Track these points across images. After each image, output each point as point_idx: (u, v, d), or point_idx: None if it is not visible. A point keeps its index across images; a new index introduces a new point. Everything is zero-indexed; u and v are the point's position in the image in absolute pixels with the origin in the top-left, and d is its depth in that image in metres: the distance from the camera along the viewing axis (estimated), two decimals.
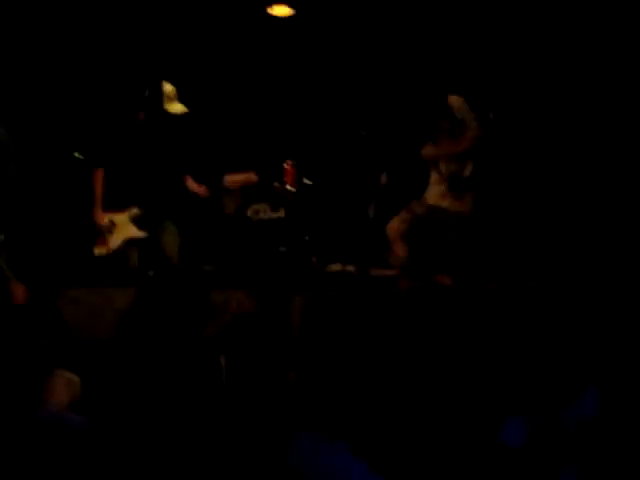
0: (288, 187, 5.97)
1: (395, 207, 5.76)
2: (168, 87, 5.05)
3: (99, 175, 5.08)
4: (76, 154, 5.89)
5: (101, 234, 5.05)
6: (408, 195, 5.91)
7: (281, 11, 6.91)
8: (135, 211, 5.06)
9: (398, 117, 6.67)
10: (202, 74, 6.86)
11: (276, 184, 6.01)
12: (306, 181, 6.10)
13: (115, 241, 5.05)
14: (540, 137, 6.30)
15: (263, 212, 5.72)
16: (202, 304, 3.27)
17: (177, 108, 5.04)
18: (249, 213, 5.76)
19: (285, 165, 6.01)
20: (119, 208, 5.07)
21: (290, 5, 6.82)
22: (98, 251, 5.06)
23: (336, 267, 5.86)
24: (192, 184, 5.17)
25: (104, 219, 5.05)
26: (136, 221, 5.06)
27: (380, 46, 6.81)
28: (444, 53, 6.67)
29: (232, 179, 5.07)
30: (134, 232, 5.05)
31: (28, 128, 4.80)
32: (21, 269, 4.41)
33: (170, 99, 5.03)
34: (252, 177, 5.13)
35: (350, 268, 5.79)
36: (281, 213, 5.73)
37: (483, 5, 6.38)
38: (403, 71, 6.78)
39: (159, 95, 5.00)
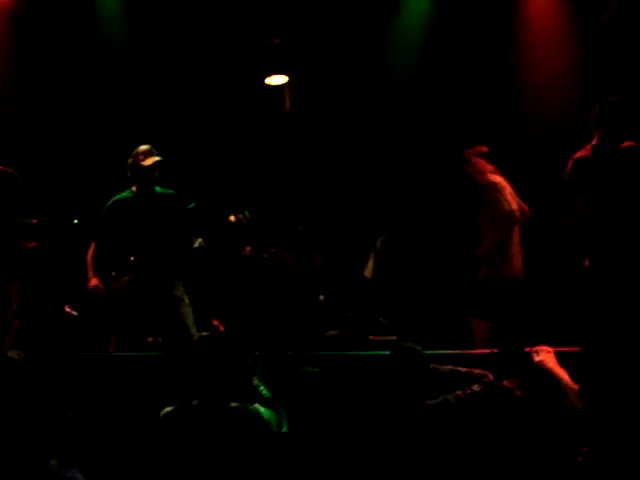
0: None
1: None
2: (142, 147, 5.09)
3: (93, 247, 5.09)
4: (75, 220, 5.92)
5: (100, 304, 5.00)
6: None
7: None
8: (131, 278, 5.02)
9: None
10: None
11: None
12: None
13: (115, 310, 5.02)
14: None
15: None
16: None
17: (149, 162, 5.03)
18: None
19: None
20: (115, 277, 5.06)
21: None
22: (100, 323, 5.08)
23: (334, 332, 5.86)
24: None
25: (101, 287, 4.98)
26: (132, 288, 5.01)
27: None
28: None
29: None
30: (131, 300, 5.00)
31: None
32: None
33: (145, 156, 5.04)
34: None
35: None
36: None
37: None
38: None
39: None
